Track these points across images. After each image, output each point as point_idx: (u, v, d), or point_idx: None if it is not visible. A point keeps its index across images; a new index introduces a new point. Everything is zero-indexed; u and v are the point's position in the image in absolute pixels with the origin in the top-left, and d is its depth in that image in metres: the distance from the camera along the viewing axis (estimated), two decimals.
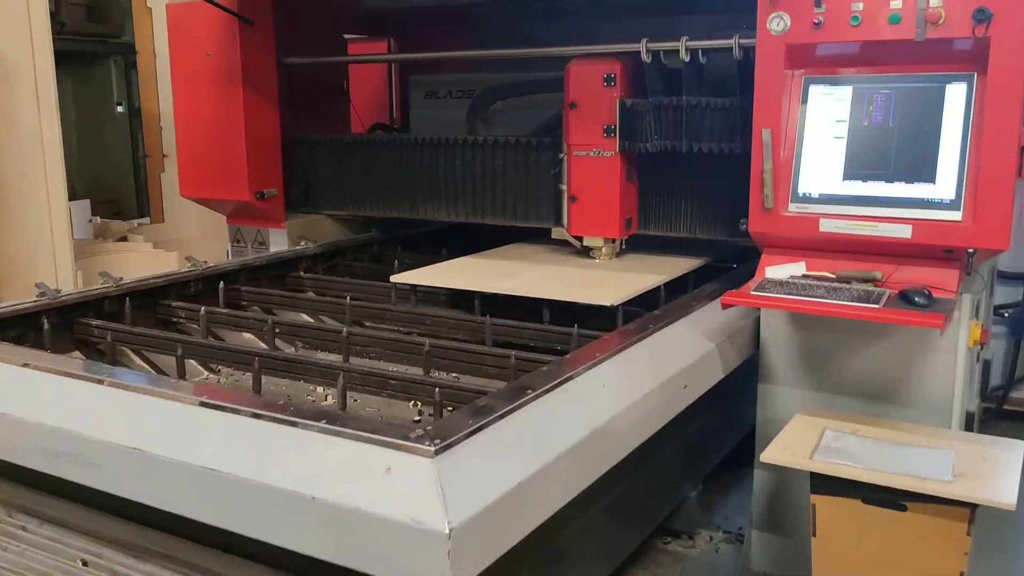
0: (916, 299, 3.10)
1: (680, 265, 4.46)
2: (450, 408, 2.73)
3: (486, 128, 5.14)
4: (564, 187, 4.51)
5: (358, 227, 5.50)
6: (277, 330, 3.72)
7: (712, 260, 4.66)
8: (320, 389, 3.50)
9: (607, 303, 3.73)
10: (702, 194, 4.40)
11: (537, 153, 4.73)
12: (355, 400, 3.35)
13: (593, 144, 4.38)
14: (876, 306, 3.10)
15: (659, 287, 4.11)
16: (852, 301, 3.16)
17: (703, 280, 4.11)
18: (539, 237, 4.88)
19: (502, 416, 2.22)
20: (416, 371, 3.36)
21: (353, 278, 4.75)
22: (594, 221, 4.46)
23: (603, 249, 4.54)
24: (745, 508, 3.84)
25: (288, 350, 3.79)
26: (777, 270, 3.64)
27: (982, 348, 3.78)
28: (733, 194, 3.86)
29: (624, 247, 4.61)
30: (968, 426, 3.53)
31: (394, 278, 4.30)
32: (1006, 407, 4.75)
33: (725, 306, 3.39)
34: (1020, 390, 4.82)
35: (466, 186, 5.02)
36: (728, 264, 4.70)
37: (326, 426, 2.10)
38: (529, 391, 2.40)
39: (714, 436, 3.95)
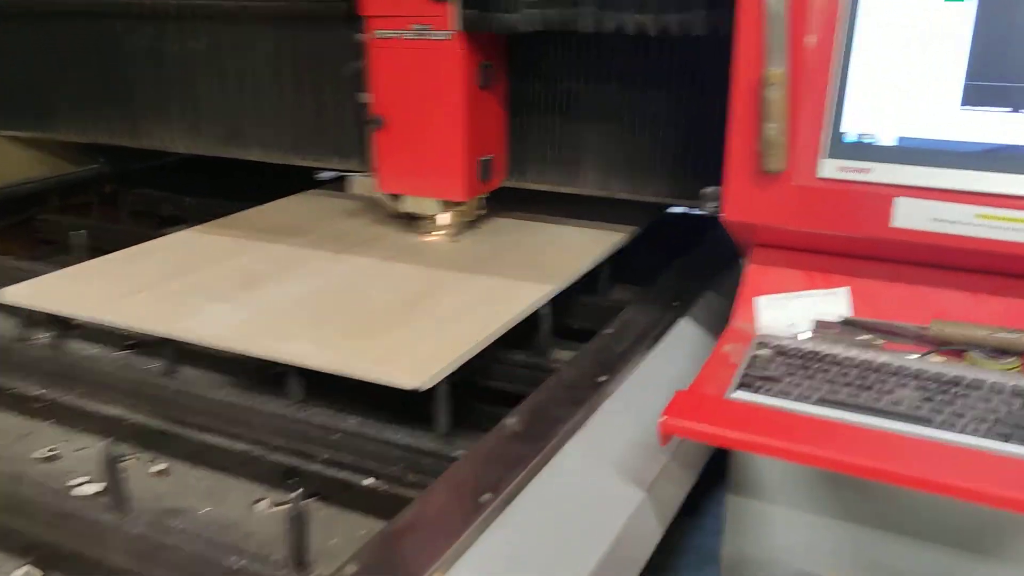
0: None
1: (581, 252, 2.38)
2: None
3: None
4: (365, 100, 2.35)
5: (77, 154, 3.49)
6: None
7: (640, 232, 2.58)
8: None
9: (411, 384, 1.65)
10: (624, 120, 2.29)
11: (322, 33, 2.53)
12: None
13: (411, 14, 2.20)
14: None
15: (540, 314, 2.04)
16: (984, 438, 1.17)
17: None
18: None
19: None
20: None
21: None
22: (420, 169, 2.33)
23: (438, 220, 2.43)
24: None
25: None
26: (780, 306, 1.60)
27: None
28: (686, 121, 2.18)
29: (483, 209, 2.51)
30: None
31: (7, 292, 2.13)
32: None
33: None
34: None
35: (212, 93, 2.81)
36: (667, 242, 2.64)
37: None
38: None
39: None
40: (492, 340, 1.85)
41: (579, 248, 2.40)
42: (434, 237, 2.46)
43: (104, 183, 3.64)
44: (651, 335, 1.88)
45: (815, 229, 1.56)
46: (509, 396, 2.07)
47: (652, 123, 2.26)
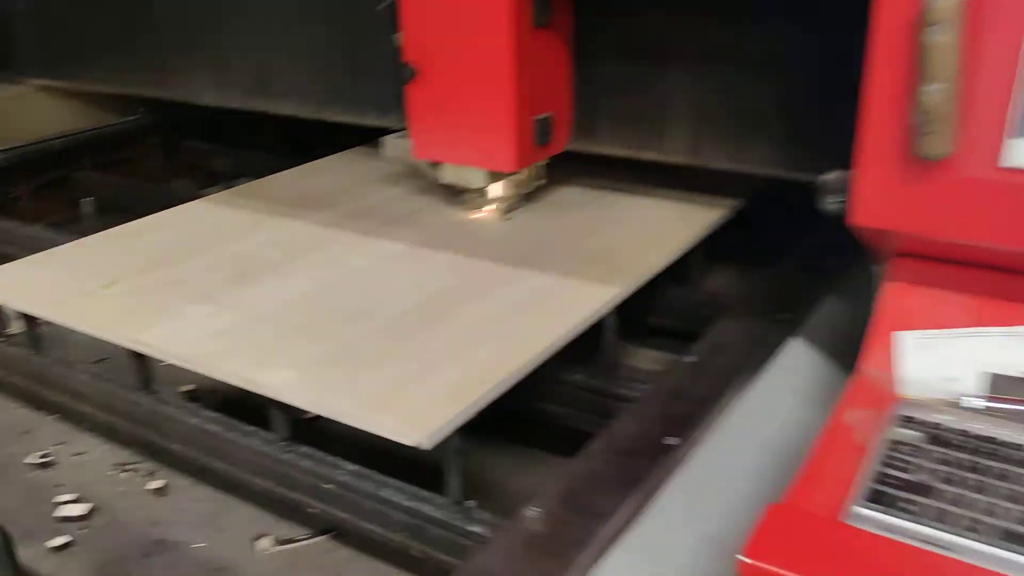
0: None
1: (662, 236, 1.88)
2: None
3: None
4: (399, 43, 1.89)
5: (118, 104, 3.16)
6: None
7: (739, 209, 2.05)
8: None
9: (410, 439, 1.21)
10: (722, 64, 1.76)
11: None
12: None
13: None
14: None
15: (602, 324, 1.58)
16: None
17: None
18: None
19: None
20: None
21: None
22: (460, 131, 1.86)
23: (488, 193, 1.96)
24: None
25: None
26: (935, 350, 1.06)
27: None
28: (810, 66, 1.69)
29: (542, 179, 2.02)
30: None
31: None
32: None
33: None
34: None
35: (238, 38, 2.41)
36: (778, 212, 2.10)
37: None
38: None
39: None
40: (528, 370, 1.39)
41: (660, 230, 1.90)
42: (481, 214, 1.99)
43: (147, 135, 3.32)
44: (747, 370, 1.38)
45: (994, 242, 1.03)
46: (560, 432, 1.63)
47: (759, 69, 1.72)
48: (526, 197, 2.03)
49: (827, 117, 1.65)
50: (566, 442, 1.68)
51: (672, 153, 1.88)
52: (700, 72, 1.79)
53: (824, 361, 1.47)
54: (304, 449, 1.46)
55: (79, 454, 1.88)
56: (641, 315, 1.88)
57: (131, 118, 3.24)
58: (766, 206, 2.10)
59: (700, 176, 1.93)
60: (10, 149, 2.92)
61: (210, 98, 2.57)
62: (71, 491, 1.75)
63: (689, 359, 1.42)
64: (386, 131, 2.15)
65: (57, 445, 1.88)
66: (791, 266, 1.80)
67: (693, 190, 2.05)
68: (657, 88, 1.85)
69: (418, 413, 1.25)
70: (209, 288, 1.69)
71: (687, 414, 1.27)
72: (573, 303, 1.57)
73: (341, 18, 2.22)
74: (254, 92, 2.46)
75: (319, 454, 1.44)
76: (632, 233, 1.89)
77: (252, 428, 1.53)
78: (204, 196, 2.27)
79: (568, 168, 2.09)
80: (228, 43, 2.46)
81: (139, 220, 2.10)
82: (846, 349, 1.34)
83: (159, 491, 1.74)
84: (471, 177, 1.92)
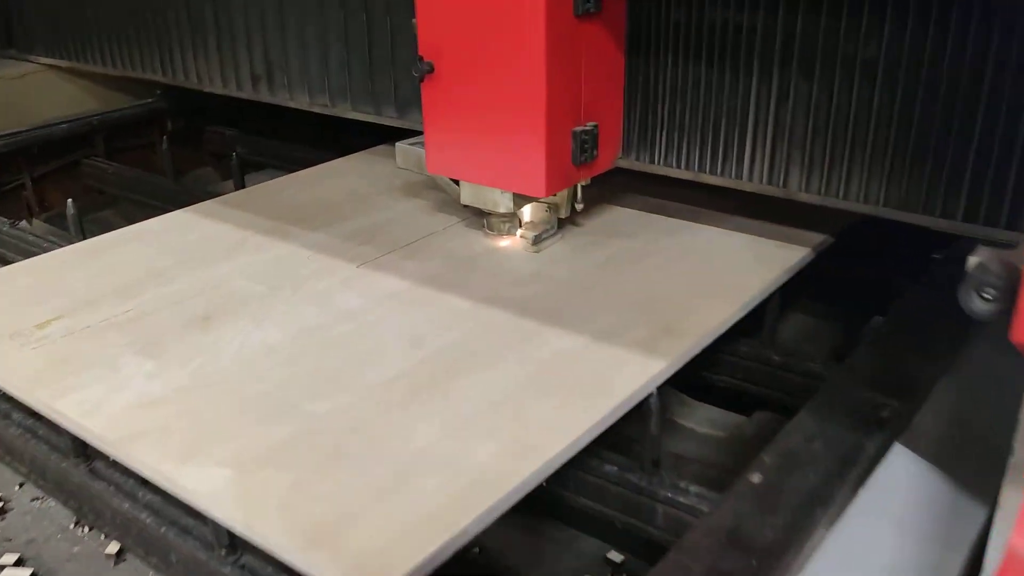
0: None
1: (728, 280, 1.51)
2: None
3: None
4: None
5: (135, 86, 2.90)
6: None
7: (831, 244, 1.66)
8: None
9: None
10: (815, 68, 1.36)
11: None
12: None
13: None
14: None
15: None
16: None
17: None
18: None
19: None
20: None
21: None
22: (481, 144, 1.49)
23: (514, 219, 1.60)
24: None
25: None
26: None
27: None
28: (944, 74, 1.27)
29: (581, 204, 1.64)
30: None
31: None
32: None
33: None
34: None
35: (249, 23, 2.09)
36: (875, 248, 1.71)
37: None
38: None
39: None
40: (535, 483, 1.03)
41: (728, 271, 1.51)
42: (506, 242, 1.64)
43: (167, 120, 3.04)
44: (833, 496, 1.00)
45: None
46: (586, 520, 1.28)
47: (865, 76, 1.32)
48: (562, 222, 1.66)
49: (959, 143, 1.26)
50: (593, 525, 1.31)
51: (745, 179, 1.49)
52: (787, 78, 1.40)
53: (942, 481, 1.08)
54: (247, 560, 1.13)
55: (37, 499, 1.61)
56: (694, 368, 1.51)
57: (148, 101, 2.96)
58: (859, 243, 1.69)
59: (779, 202, 1.53)
60: (13, 134, 2.66)
61: (217, 86, 2.25)
62: (17, 548, 1.48)
63: (754, 478, 1.05)
64: (408, 133, 1.81)
65: (17, 488, 1.62)
66: (890, 330, 1.40)
67: (769, 218, 1.66)
68: (730, 96, 1.45)
69: (372, 557, 0.91)
70: (160, 333, 1.37)
71: (747, 572, 0.90)
72: (608, 379, 1.20)
73: (358, 2, 1.87)
74: (263, 82, 2.14)
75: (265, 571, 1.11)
76: (692, 274, 1.51)
77: (191, 522, 1.21)
78: (217, 196, 1.97)
79: (615, 184, 1.71)
80: (237, 27, 2.13)
81: (113, 233, 1.80)
82: (971, 459, 0.96)
83: (115, 556, 1.46)
84: (494, 199, 1.56)
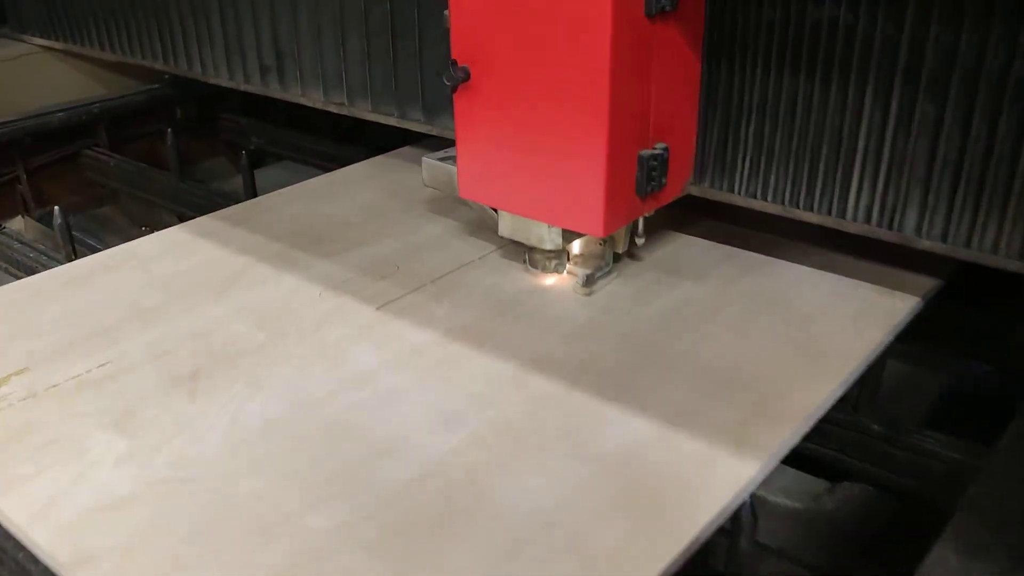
0: None
1: (827, 341, 1.24)
2: None
3: None
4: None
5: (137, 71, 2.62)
6: None
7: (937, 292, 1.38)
8: None
9: None
10: (934, 85, 1.08)
11: None
12: None
13: None
14: None
15: None
16: None
17: None
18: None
19: None
20: None
21: None
22: (525, 169, 1.23)
23: (561, 259, 1.34)
24: None
25: None
26: None
27: None
28: None
29: (639, 240, 1.37)
30: None
31: None
32: None
33: None
34: None
35: (258, 9, 1.83)
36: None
37: None
38: None
39: None
40: None
41: (823, 327, 1.25)
42: (552, 280, 1.38)
43: (178, 106, 2.79)
44: None
45: None
46: None
47: (1019, 98, 1.04)
48: (619, 256, 1.40)
49: None
50: None
51: (848, 219, 1.22)
52: (911, 97, 1.12)
53: None
54: None
55: None
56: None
57: (155, 86, 2.71)
58: (971, 286, 1.42)
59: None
60: (6, 122, 2.43)
61: (223, 77, 2.00)
62: None
63: None
64: (437, 140, 1.55)
65: None
66: None
67: (863, 252, 1.39)
68: (834, 116, 1.18)
69: None
70: (138, 398, 1.14)
71: None
72: (690, 487, 0.95)
73: None
74: (272, 73, 1.88)
75: None
76: (780, 332, 1.24)
77: None
78: (226, 194, 1.71)
79: (682, 210, 1.45)
80: (243, 10, 1.87)
81: (98, 256, 1.56)
82: None
83: None
84: (539, 235, 1.31)
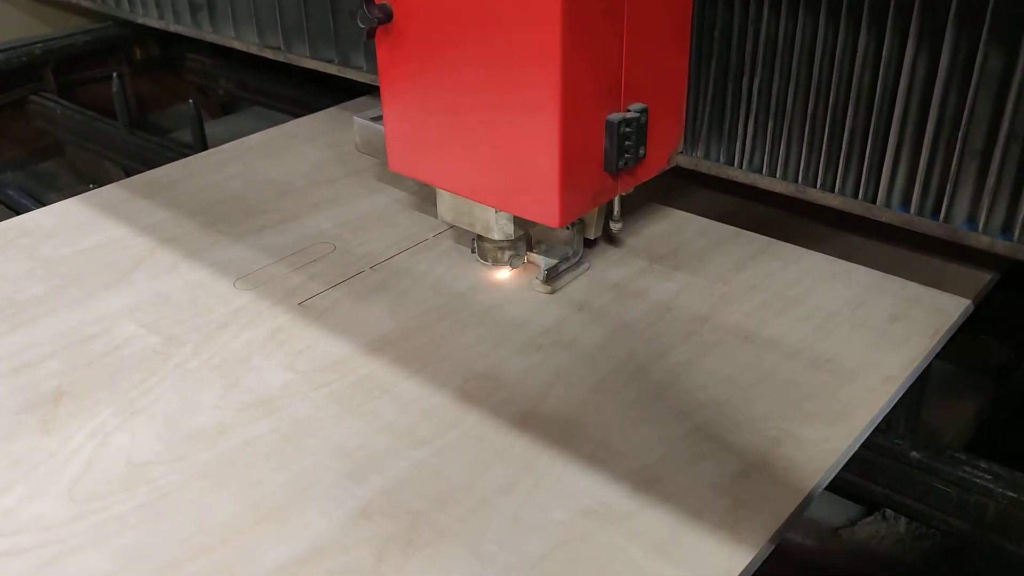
0: None
1: (857, 354, 0.99)
2: None
3: None
4: None
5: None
6: None
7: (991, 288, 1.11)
8: None
9: None
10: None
11: None
12: None
13: None
14: None
15: None
16: None
17: None
18: None
19: None
20: None
21: None
22: (465, 139, 0.96)
23: (518, 248, 1.08)
24: None
25: None
26: None
27: None
28: None
29: (615, 224, 1.10)
30: None
31: None
32: None
33: None
34: None
35: None
36: None
37: None
38: None
39: None
40: None
41: (846, 335, 0.99)
42: (505, 274, 1.13)
43: (132, 47, 2.52)
44: None
45: None
46: None
47: None
48: (588, 244, 1.14)
49: None
50: None
51: (880, 204, 0.95)
52: (969, 45, 0.84)
53: None
54: None
55: None
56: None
57: (106, 23, 2.43)
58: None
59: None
60: None
61: (152, 16, 1.73)
62: None
63: None
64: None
65: None
66: None
67: (903, 242, 1.12)
68: (863, 69, 0.90)
69: None
70: None
71: None
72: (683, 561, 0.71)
73: None
74: (203, 12, 1.61)
75: None
76: (796, 340, 0.99)
77: None
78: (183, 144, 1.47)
79: (673, 179, 1.18)
80: None
81: None
82: None
83: None
84: (485, 221, 1.04)
